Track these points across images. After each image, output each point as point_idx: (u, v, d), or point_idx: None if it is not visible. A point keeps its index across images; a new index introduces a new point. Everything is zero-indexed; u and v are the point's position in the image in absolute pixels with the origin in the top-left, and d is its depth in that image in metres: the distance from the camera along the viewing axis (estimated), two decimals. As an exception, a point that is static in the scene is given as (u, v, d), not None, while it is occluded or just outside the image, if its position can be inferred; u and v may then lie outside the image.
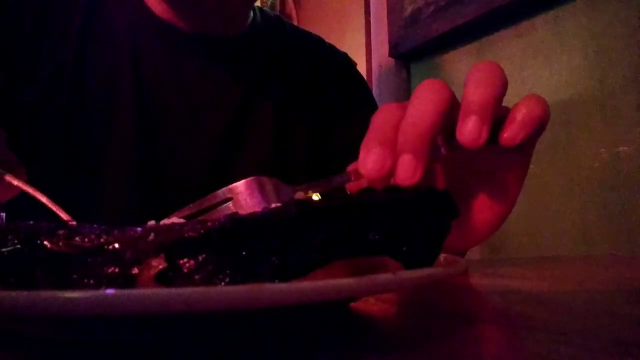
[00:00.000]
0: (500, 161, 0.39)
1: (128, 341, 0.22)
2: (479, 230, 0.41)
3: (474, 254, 1.05)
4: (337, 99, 0.77)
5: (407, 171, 0.30)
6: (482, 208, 0.40)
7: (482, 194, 0.40)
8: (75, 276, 0.20)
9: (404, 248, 0.24)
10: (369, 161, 0.31)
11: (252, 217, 0.21)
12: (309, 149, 0.72)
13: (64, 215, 0.38)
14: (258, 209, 0.33)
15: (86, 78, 0.62)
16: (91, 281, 0.20)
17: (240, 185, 0.38)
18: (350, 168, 0.37)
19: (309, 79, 0.76)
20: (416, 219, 0.25)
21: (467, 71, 0.34)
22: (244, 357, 0.20)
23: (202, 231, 0.20)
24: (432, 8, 1.38)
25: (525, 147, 0.36)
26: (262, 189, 0.37)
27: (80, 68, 0.62)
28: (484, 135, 0.31)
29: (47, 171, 0.61)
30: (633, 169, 0.90)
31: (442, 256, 0.30)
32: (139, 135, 0.63)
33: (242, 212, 0.35)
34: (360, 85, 0.84)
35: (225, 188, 0.38)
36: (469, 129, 0.31)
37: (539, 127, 0.33)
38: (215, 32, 0.69)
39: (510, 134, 0.33)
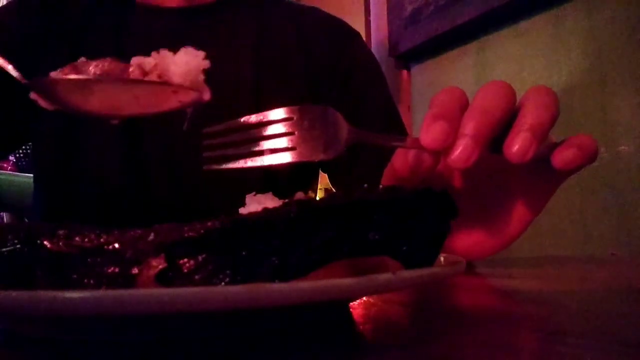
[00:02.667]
0: (533, 179, 0.39)
1: (128, 341, 0.22)
2: (496, 241, 0.41)
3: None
4: (342, 73, 0.74)
5: (464, 153, 0.31)
6: (504, 219, 0.40)
7: (504, 206, 0.40)
8: (75, 276, 0.20)
9: (404, 248, 0.24)
10: (433, 131, 0.32)
11: (252, 217, 0.21)
12: None
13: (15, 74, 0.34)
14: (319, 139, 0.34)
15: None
16: (91, 281, 0.20)
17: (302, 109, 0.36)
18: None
19: (299, 43, 0.73)
20: (416, 219, 0.25)
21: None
22: (244, 357, 0.20)
23: (202, 231, 0.20)
24: (432, 8, 1.38)
25: (565, 173, 0.36)
26: (325, 118, 0.35)
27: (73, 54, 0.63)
28: (531, 153, 0.31)
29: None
30: (633, 168, 0.90)
31: (442, 256, 0.30)
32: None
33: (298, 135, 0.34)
34: (368, 61, 0.79)
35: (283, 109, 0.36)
36: (520, 144, 0.31)
37: (590, 159, 0.34)
38: (196, 2, 0.69)
39: (565, 158, 0.33)
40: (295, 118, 0.35)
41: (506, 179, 0.40)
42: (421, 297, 0.34)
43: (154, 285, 0.20)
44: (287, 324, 0.24)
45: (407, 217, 0.24)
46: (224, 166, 0.36)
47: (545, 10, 1.10)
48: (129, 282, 0.20)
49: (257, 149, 0.35)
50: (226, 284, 0.20)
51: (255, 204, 0.32)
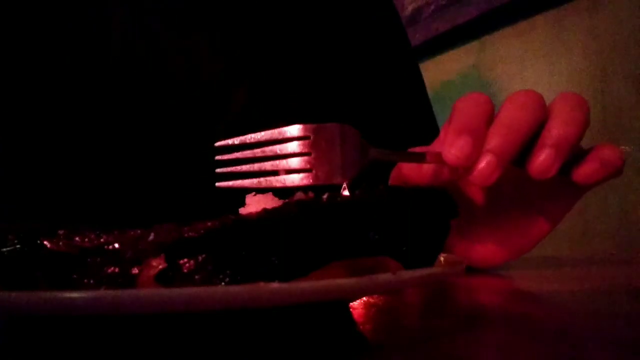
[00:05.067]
0: (554, 190, 0.38)
1: (128, 341, 0.22)
2: (510, 251, 0.41)
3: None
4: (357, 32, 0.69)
5: (486, 171, 0.30)
6: (521, 230, 0.40)
7: (523, 217, 0.39)
8: (75, 276, 0.20)
9: (404, 248, 0.24)
10: (457, 147, 0.31)
11: (252, 217, 0.21)
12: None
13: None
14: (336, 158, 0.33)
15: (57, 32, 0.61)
16: (91, 281, 0.20)
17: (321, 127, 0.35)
18: (425, 149, 0.36)
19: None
20: (416, 219, 0.25)
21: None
22: (243, 357, 0.20)
23: (202, 231, 0.20)
24: (432, 7, 1.38)
25: (588, 187, 0.36)
26: (343, 138, 0.34)
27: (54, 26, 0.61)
28: (554, 170, 0.31)
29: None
30: (633, 168, 0.90)
31: (442, 256, 0.30)
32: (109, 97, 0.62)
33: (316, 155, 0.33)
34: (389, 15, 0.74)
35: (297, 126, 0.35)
36: (543, 160, 0.31)
37: (614, 172, 0.33)
38: None
39: (586, 172, 0.32)
40: (312, 137, 0.34)
41: (527, 190, 0.39)
42: (421, 297, 0.34)
43: (154, 285, 0.20)
44: (287, 324, 0.24)
45: (407, 217, 0.24)
46: (238, 184, 0.35)
47: (546, 10, 1.09)
48: (129, 282, 0.20)
49: (271, 167, 0.35)
50: (226, 284, 0.20)
51: (255, 204, 0.32)
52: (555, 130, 0.32)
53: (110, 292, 0.16)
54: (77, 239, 0.21)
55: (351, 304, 0.29)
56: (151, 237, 0.21)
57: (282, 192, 0.34)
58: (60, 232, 0.22)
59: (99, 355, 0.21)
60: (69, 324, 0.20)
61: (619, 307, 0.30)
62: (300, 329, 0.24)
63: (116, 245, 0.21)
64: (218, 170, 0.35)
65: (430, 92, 0.73)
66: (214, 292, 0.17)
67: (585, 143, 0.34)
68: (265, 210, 0.22)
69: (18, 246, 0.21)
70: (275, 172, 0.35)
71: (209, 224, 0.21)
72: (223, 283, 0.20)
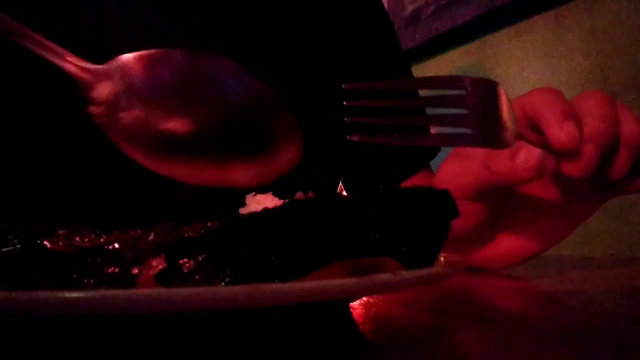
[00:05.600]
0: (582, 196, 0.37)
1: (128, 341, 0.22)
2: (525, 252, 0.41)
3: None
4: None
5: (588, 162, 0.29)
6: (542, 232, 0.39)
7: (547, 219, 0.39)
8: (75, 276, 0.20)
9: (404, 248, 0.24)
10: (568, 130, 0.29)
11: (252, 217, 0.21)
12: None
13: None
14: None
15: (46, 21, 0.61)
16: (91, 281, 0.20)
17: None
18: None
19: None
20: (416, 219, 0.25)
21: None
22: (243, 357, 0.20)
23: (202, 231, 0.20)
24: (432, 7, 1.38)
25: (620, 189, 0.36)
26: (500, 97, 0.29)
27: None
28: (625, 171, 0.31)
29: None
30: (633, 168, 0.90)
31: (442, 256, 0.30)
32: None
33: None
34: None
35: None
36: (620, 162, 0.31)
37: None
38: None
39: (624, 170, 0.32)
40: (467, 91, 0.28)
41: (558, 192, 0.38)
42: (421, 297, 0.34)
43: (153, 285, 0.20)
44: (287, 325, 0.24)
45: (407, 217, 0.24)
46: (371, 139, 0.29)
47: (546, 10, 1.09)
48: (129, 282, 0.20)
49: (414, 123, 0.29)
50: (226, 284, 0.20)
51: (255, 204, 0.32)
52: (630, 134, 0.31)
53: (110, 292, 0.16)
54: (77, 239, 0.21)
55: (351, 304, 0.29)
56: (151, 237, 0.21)
57: (282, 192, 0.34)
58: (60, 232, 0.22)
59: (99, 355, 0.21)
60: (69, 324, 0.20)
61: (619, 307, 0.30)
62: (300, 329, 0.24)
63: (116, 245, 0.21)
64: (349, 118, 0.29)
65: (430, 92, 0.73)
66: (214, 292, 0.17)
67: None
68: (265, 210, 0.22)
69: (18, 246, 0.21)
70: (422, 130, 0.29)
71: (209, 224, 0.21)
72: (223, 283, 0.20)
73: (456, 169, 0.38)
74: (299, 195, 0.29)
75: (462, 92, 0.28)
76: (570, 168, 0.30)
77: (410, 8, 1.46)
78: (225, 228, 0.20)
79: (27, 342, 0.22)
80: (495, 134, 0.28)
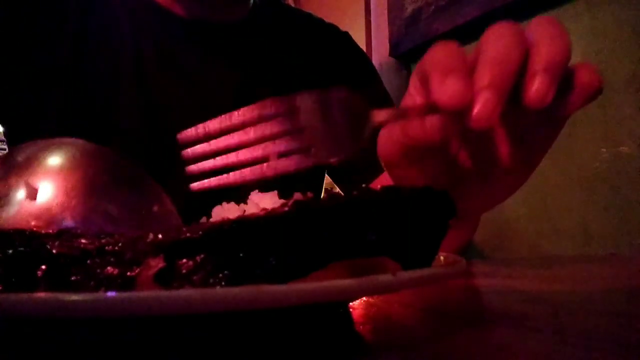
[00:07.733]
0: (536, 127, 0.35)
1: (127, 341, 0.22)
2: (496, 194, 0.39)
3: (474, 254, 1.05)
4: (338, 74, 0.78)
5: (487, 109, 0.27)
6: (503, 170, 0.37)
7: (506, 156, 0.36)
8: (75, 277, 0.20)
9: (403, 248, 0.24)
10: (450, 89, 0.28)
11: (251, 217, 0.21)
12: None
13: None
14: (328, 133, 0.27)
15: (86, 65, 0.63)
16: (91, 282, 0.20)
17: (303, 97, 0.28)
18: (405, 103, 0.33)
19: (309, 59, 0.77)
20: (415, 219, 0.25)
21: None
22: (243, 357, 0.20)
23: (200, 232, 0.20)
24: (432, 8, 1.38)
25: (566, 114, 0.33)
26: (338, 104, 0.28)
27: (80, 54, 0.63)
28: (551, 96, 0.28)
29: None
30: (634, 168, 0.90)
31: (441, 256, 0.30)
32: (142, 121, 0.64)
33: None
34: (360, 58, 0.86)
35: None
36: (537, 88, 0.28)
37: (595, 96, 0.31)
38: (215, 19, 0.70)
39: (574, 101, 0.30)
40: (301, 108, 0.28)
41: (510, 130, 0.36)
42: (421, 297, 0.34)
43: (152, 285, 0.20)
44: (287, 325, 0.24)
45: (405, 218, 0.24)
46: (216, 182, 0.28)
47: (546, 10, 1.09)
48: (128, 282, 0.20)
49: (257, 154, 0.28)
50: (225, 284, 0.20)
51: (255, 204, 0.32)
52: (545, 54, 0.29)
53: (110, 294, 0.16)
54: (77, 239, 0.21)
55: (351, 304, 0.29)
56: (150, 237, 0.21)
57: (285, 191, 0.33)
58: (61, 232, 0.22)
59: (99, 355, 0.21)
60: (69, 325, 0.20)
61: (619, 307, 0.30)
62: (299, 330, 0.24)
63: (116, 246, 0.21)
64: (190, 168, 0.29)
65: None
66: (213, 294, 0.17)
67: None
68: (265, 210, 0.22)
69: (20, 248, 0.21)
70: (264, 160, 0.28)
71: (208, 224, 0.21)
72: (222, 283, 0.20)
73: (382, 139, 0.38)
74: (299, 195, 0.29)
75: (293, 113, 0.28)
76: (473, 118, 0.28)
77: (410, 8, 1.46)
78: (224, 228, 0.20)
79: (27, 342, 0.22)
80: (332, 145, 0.28)
